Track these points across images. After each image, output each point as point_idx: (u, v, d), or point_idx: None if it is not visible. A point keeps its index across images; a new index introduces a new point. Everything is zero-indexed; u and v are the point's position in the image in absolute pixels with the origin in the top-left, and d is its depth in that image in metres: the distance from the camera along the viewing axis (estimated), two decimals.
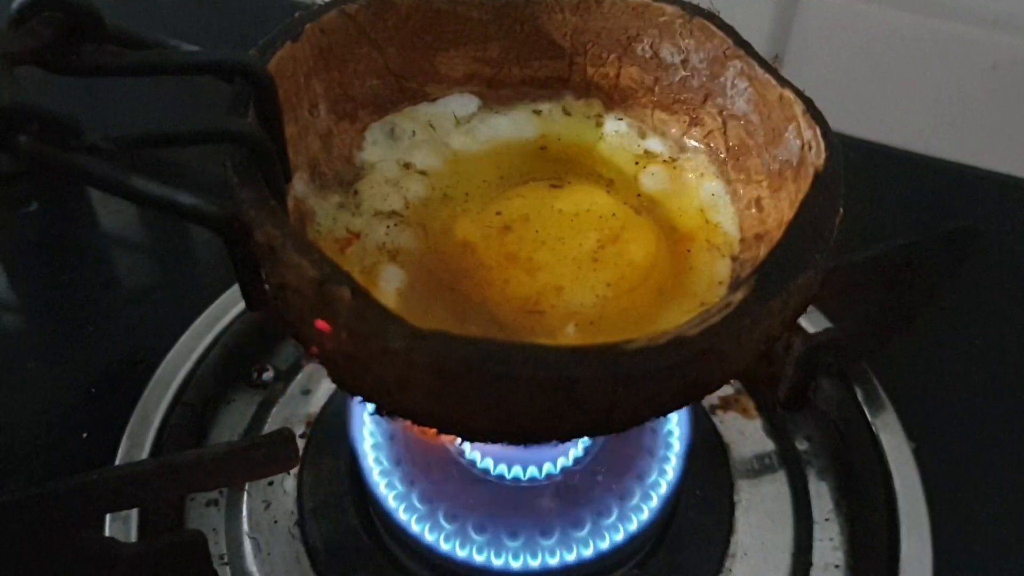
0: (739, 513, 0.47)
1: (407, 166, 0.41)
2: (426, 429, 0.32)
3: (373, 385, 0.31)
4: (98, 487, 0.39)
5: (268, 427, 0.51)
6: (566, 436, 0.31)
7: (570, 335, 0.36)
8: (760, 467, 0.49)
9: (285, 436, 0.41)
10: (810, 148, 0.35)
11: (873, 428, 0.49)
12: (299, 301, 0.31)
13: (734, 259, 0.38)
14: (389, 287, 0.37)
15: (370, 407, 0.33)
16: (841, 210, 0.33)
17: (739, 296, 0.29)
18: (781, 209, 0.37)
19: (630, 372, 0.28)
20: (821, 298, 0.50)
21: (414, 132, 0.42)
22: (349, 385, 0.32)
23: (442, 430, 0.32)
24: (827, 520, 0.47)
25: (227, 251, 0.33)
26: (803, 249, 0.31)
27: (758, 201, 0.39)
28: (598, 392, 0.29)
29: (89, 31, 0.34)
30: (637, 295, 0.37)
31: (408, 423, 0.33)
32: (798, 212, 0.32)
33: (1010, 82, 0.69)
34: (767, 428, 0.51)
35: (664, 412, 0.32)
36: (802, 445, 0.50)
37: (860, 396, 0.50)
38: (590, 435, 0.32)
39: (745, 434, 0.50)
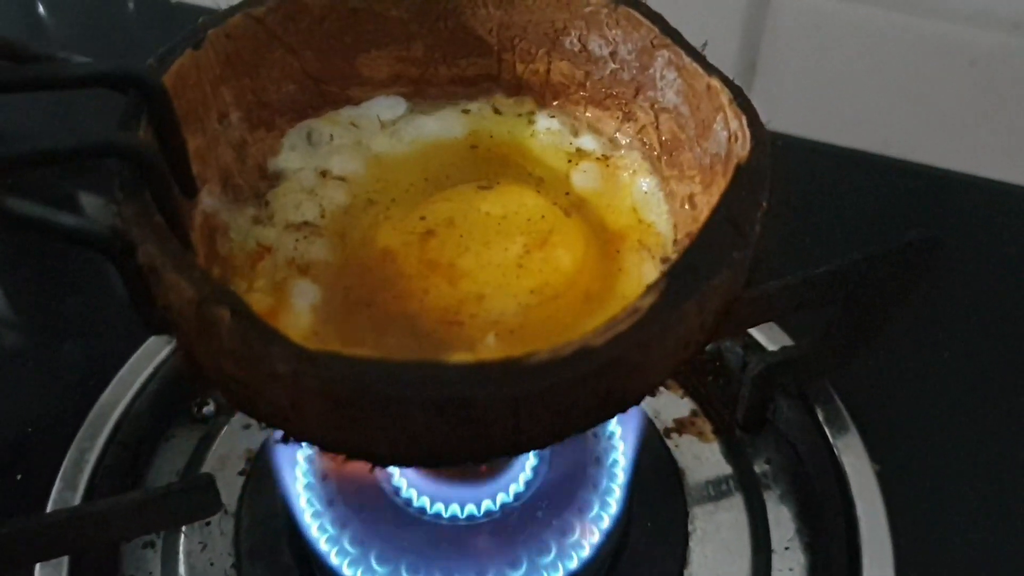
0: (693, 543, 0.45)
1: (324, 174, 0.39)
2: (335, 458, 0.30)
3: (267, 410, 0.29)
4: (9, 540, 0.37)
5: (208, 464, 0.50)
6: (479, 457, 0.30)
7: (490, 346, 0.34)
8: (717, 493, 0.47)
9: (205, 482, 0.39)
10: (736, 139, 0.33)
11: (835, 450, 0.47)
12: (183, 323, 0.29)
13: (665, 260, 0.36)
14: (302, 303, 0.35)
15: (277, 434, 0.31)
16: (765, 204, 0.31)
17: (647, 301, 0.27)
18: (713, 205, 0.35)
19: (531, 388, 0.26)
20: (779, 314, 0.48)
21: (331, 136, 0.40)
22: (246, 410, 0.30)
23: (349, 456, 0.30)
24: (787, 549, 0.45)
25: (117, 272, 0.31)
26: (719, 248, 0.29)
27: (691, 198, 0.37)
28: (498, 411, 0.27)
29: None
30: (562, 301, 0.35)
31: (317, 449, 0.31)
32: (715, 208, 0.30)
33: (989, 79, 0.67)
34: (724, 452, 0.49)
35: (582, 428, 0.30)
36: (761, 469, 0.48)
37: (821, 416, 0.48)
38: (505, 455, 0.30)
39: (701, 458, 0.48)
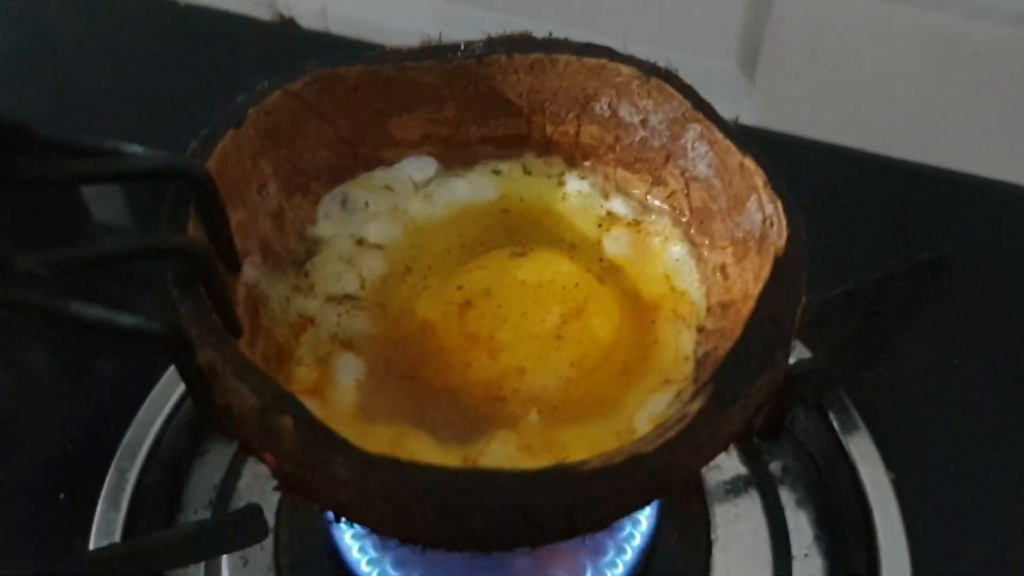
0: (716, 552, 0.46)
1: (361, 241, 0.40)
2: None
3: (328, 504, 0.31)
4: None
5: (243, 480, 0.50)
6: (530, 547, 0.31)
7: (532, 423, 0.35)
8: (737, 501, 0.48)
9: (254, 512, 0.40)
10: (771, 224, 0.34)
11: (851, 458, 0.48)
12: (245, 426, 0.30)
13: (700, 330, 0.37)
14: (347, 378, 0.36)
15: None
16: (804, 297, 0.32)
17: (696, 407, 0.28)
18: (746, 280, 0.36)
19: (585, 495, 0.27)
20: (798, 334, 0.50)
21: (367, 203, 0.41)
22: (304, 498, 0.32)
23: (403, 542, 0.31)
24: (807, 556, 0.46)
25: (174, 365, 0.32)
26: (762, 348, 0.30)
27: (723, 268, 0.38)
28: (554, 515, 0.28)
29: (20, 143, 0.33)
30: (601, 374, 0.36)
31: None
32: (756, 306, 0.31)
33: (993, 72, 0.67)
34: (744, 459, 0.50)
35: (630, 513, 0.31)
36: (779, 476, 0.49)
37: (837, 425, 0.49)
38: (554, 542, 0.31)
39: (722, 467, 0.49)
